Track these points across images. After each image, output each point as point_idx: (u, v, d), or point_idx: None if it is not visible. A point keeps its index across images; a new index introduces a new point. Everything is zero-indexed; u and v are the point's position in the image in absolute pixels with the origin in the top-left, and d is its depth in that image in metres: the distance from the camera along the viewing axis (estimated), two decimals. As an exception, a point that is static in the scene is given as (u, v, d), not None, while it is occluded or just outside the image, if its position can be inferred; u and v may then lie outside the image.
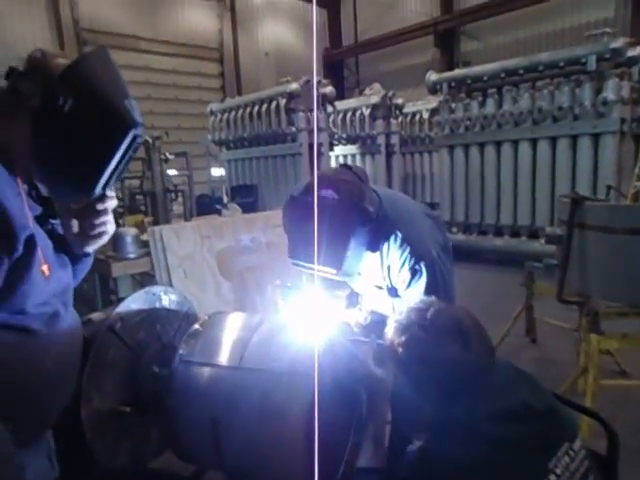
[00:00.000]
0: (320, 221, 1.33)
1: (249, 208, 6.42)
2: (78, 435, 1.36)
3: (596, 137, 5.77)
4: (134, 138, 1.09)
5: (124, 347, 1.59)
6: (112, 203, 1.22)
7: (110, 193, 1.19)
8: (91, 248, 1.27)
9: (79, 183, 1.11)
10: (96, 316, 1.66)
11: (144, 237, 3.59)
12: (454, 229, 7.41)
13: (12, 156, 1.09)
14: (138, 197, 6.64)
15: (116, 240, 3.52)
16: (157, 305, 1.78)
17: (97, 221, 1.21)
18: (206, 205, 7.60)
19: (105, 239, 1.27)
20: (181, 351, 1.50)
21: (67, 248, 1.24)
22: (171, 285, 3.31)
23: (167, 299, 1.83)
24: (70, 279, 1.26)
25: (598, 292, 2.80)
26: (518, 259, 4.60)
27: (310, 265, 1.46)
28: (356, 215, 1.45)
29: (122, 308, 1.62)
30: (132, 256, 3.58)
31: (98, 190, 1.11)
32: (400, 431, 1.89)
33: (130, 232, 3.63)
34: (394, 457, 1.73)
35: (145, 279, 3.98)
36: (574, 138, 5.93)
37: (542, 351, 4.01)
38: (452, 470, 1.06)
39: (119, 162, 1.10)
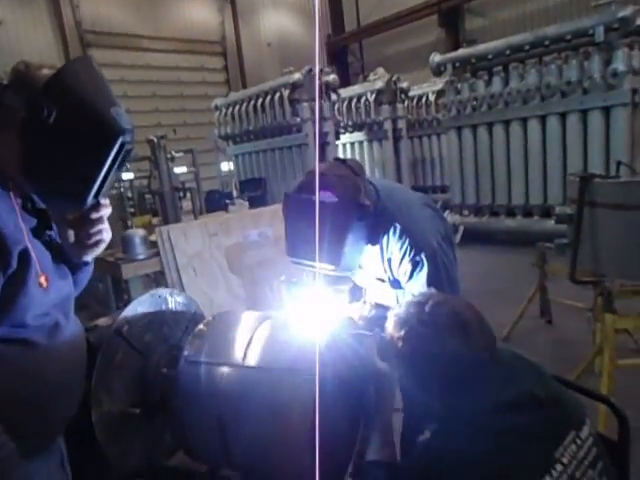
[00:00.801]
0: (316, 218, 1.32)
1: (258, 202, 6.43)
2: (90, 440, 1.38)
3: (607, 110, 5.64)
4: (122, 145, 1.09)
5: (132, 350, 1.61)
6: (106, 211, 1.22)
7: (104, 201, 1.20)
8: (89, 257, 1.28)
9: (70, 194, 1.11)
10: (102, 321, 1.68)
11: (152, 238, 3.62)
12: (465, 212, 7.34)
13: (4, 170, 1.10)
14: (147, 197, 6.68)
15: (125, 242, 3.56)
16: (163, 307, 1.79)
17: (93, 230, 1.22)
18: (216, 201, 7.62)
19: (102, 247, 1.27)
20: (186, 352, 1.51)
21: (66, 258, 1.25)
22: (182, 284, 3.35)
23: (173, 301, 1.84)
24: (70, 289, 1.27)
25: (611, 271, 2.75)
26: (531, 239, 4.54)
27: (309, 262, 1.45)
28: (352, 210, 1.43)
29: (128, 312, 1.63)
30: (142, 257, 3.62)
31: (90, 199, 1.12)
32: (412, 423, 1.89)
33: (138, 233, 3.67)
34: (406, 449, 1.74)
35: (160, 278, 4.02)
36: (584, 113, 5.81)
37: (558, 332, 3.97)
38: (457, 463, 1.05)
39: (109, 170, 1.10)
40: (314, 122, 7.01)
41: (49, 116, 1.03)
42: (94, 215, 1.20)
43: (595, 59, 5.63)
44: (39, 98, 1.04)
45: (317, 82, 6.60)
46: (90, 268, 1.35)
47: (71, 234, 1.23)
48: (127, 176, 6.88)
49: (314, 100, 7.04)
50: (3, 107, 1.06)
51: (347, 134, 8.93)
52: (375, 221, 1.53)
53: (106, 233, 1.26)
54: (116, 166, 1.12)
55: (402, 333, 1.20)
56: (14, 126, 1.05)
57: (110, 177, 1.12)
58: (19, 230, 1.07)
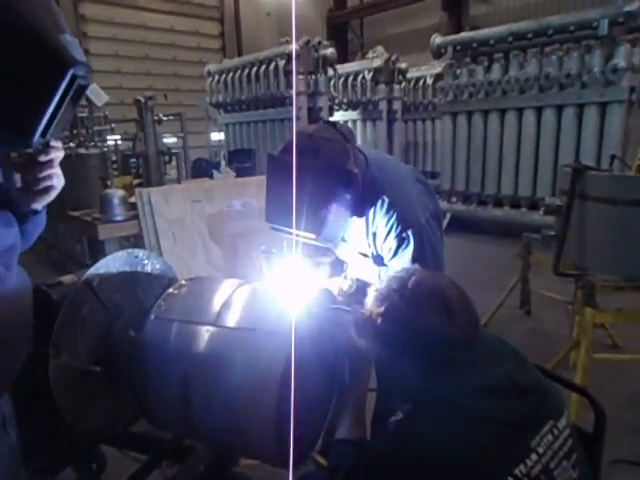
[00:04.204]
0: (299, 182, 1.23)
1: (246, 173, 6.29)
2: (45, 402, 1.31)
3: (603, 106, 5.59)
4: (74, 79, 0.97)
5: (100, 306, 1.52)
6: (57, 154, 1.10)
7: (54, 143, 1.08)
8: (39, 205, 1.17)
9: (13, 130, 0.99)
10: (67, 278, 1.59)
11: (132, 199, 3.50)
12: (454, 199, 7.31)
13: None
14: (132, 161, 6.48)
15: (103, 202, 3.43)
16: (139, 269, 1.71)
17: (41, 174, 1.10)
18: (203, 169, 7.44)
19: (53, 195, 1.16)
20: (152, 316, 1.43)
21: (13, 205, 1.14)
22: (160, 249, 3.25)
23: (150, 264, 1.76)
24: (15, 239, 1.15)
25: (595, 265, 2.73)
26: (518, 230, 4.53)
27: (288, 229, 1.38)
28: (338, 177, 1.35)
29: (101, 266, 1.54)
30: (119, 218, 3.50)
31: (36, 138, 1.00)
32: (385, 403, 1.86)
33: (117, 194, 3.54)
34: (378, 429, 1.70)
35: (140, 243, 3.91)
36: (581, 107, 5.75)
37: (536, 323, 3.98)
38: (430, 446, 1.01)
39: (58, 107, 0.98)
40: (309, 95, 6.85)
41: None
42: (43, 158, 1.08)
43: (596, 53, 5.55)
44: None
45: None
46: (41, 219, 1.23)
47: (18, 178, 1.12)
48: (112, 138, 6.68)
49: (310, 73, 6.87)
50: None
51: (341, 112, 8.77)
52: (362, 192, 1.45)
53: (57, 179, 1.14)
54: (66, 103, 0.99)
55: (382, 309, 1.14)
56: None
57: (60, 115, 1.00)
58: None
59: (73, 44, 0.96)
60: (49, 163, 1.09)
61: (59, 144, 1.09)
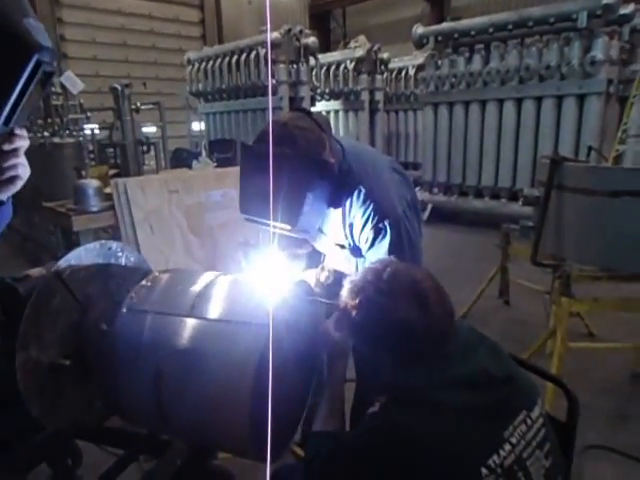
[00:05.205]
0: (273, 172, 1.21)
1: (227, 163, 6.21)
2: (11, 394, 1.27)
3: (581, 98, 5.66)
4: (39, 65, 0.93)
5: (71, 298, 1.48)
6: (22, 143, 1.06)
7: (19, 132, 1.04)
8: (3, 196, 1.12)
9: None
10: (35, 272, 1.54)
11: (108, 190, 3.42)
12: (435, 190, 7.35)
13: None
14: (109, 151, 6.33)
15: (77, 192, 3.35)
16: (113, 261, 1.67)
17: (5, 164, 1.06)
18: (183, 159, 7.33)
19: (18, 185, 1.12)
20: (124, 309, 1.39)
21: None
22: (137, 241, 3.19)
23: (124, 257, 1.72)
24: None
25: (572, 255, 2.76)
26: (498, 221, 4.59)
27: (263, 221, 1.35)
28: (314, 166, 1.33)
29: (72, 257, 1.50)
30: (95, 209, 3.41)
31: None
32: (363, 394, 1.86)
33: (92, 184, 3.44)
34: (357, 420, 1.70)
35: (116, 234, 3.84)
36: (560, 98, 5.81)
37: (514, 313, 4.03)
38: (404, 438, 1.00)
39: (21, 94, 0.94)
40: (290, 85, 6.78)
41: None
42: (7, 147, 1.03)
43: (575, 45, 5.61)
44: None
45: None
46: (7, 210, 1.19)
47: None
48: (89, 127, 6.52)
49: (292, 62, 6.80)
50: None
51: (323, 102, 8.72)
52: (339, 182, 1.43)
53: (22, 168, 1.09)
54: (30, 90, 0.95)
55: (357, 301, 1.13)
56: None
57: (24, 102, 0.96)
58: None
59: (38, 29, 0.91)
60: (14, 152, 1.04)
61: (24, 132, 1.04)
